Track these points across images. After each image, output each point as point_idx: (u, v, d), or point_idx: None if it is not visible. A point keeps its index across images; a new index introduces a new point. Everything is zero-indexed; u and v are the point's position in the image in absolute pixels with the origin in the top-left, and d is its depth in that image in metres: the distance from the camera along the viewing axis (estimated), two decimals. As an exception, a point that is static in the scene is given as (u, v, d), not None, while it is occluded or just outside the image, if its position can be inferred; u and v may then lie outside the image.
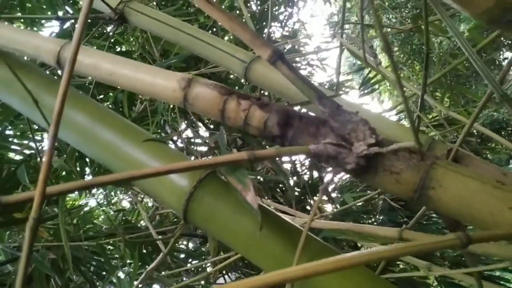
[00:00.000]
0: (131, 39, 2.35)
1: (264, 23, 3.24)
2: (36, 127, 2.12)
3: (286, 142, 0.53)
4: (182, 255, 2.81)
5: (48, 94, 0.64)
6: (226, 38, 2.92)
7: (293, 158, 3.08)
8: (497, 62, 6.68)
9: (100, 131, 0.64)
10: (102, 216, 3.30)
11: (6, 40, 0.65)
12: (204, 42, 1.06)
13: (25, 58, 0.78)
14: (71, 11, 1.92)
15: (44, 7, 1.95)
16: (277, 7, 4.02)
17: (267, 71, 0.99)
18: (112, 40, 2.18)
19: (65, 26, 1.82)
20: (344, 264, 0.32)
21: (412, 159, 0.50)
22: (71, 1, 2.03)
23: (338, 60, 1.46)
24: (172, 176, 0.60)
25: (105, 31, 2.22)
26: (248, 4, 3.67)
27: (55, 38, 0.64)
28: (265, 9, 3.42)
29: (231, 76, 2.98)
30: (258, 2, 3.73)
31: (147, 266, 2.13)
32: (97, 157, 0.65)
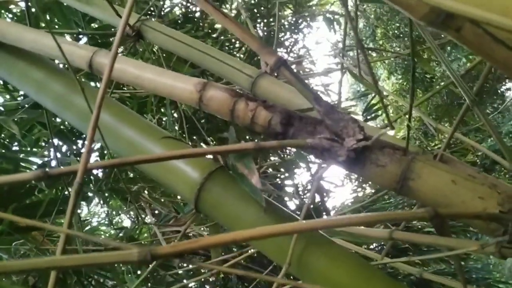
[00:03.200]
0: (140, 60, 2.46)
1: (274, 47, 3.35)
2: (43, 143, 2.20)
3: (288, 138, 0.61)
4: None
5: (78, 95, 0.72)
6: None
7: (296, 181, 3.15)
8: (499, 92, 6.78)
9: (123, 128, 0.72)
10: (103, 236, 3.33)
11: (44, 46, 0.75)
12: (214, 58, 1.16)
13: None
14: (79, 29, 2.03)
15: (57, 27, 2.06)
16: (283, 33, 4.16)
17: (272, 86, 1.07)
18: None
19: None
20: (297, 228, 0.38)
21: (395, 154, 0.58)
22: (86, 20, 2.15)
23: (340, 80, 1.55)
24: (185, 168, 0.68)
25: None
26: (255, 30, 3.80)
27: (87, 45, 0.73)
28: (272, 34, 3.55)
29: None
30: (265, 28, 3.86)
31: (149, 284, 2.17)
32: (120, 152, 0.74)
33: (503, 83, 6.93)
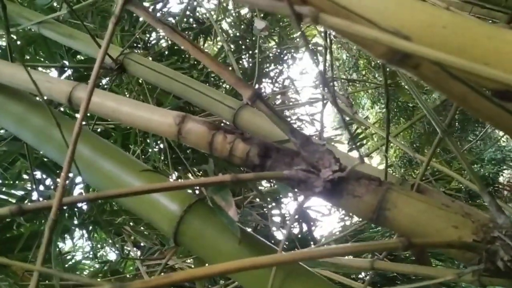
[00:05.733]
0: (126, 92, 2.47)
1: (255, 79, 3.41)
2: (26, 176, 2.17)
3: (265, 170, 0.62)
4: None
5: (57, 128, 0.72)
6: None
7: (283, 211, 3.14)
8: (480, 120, 6.91)
9: (102, 162, 0.72)
10: (87, 271, 3.26)
11: (22, 80, 0.75)
12: (196, 91, 1.17)
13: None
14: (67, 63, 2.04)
15: (42, 59, 2.08)
16: (268, 65, 4.22)
17: (253, 117, 1.09)
18: (108, 90, 2.29)
19: (63, 76, 1.94)
20: (280, 260, 0.38)
21: (371, 185, 0.58)
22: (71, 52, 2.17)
23: (322, 109, 1.57)
24: (164, 201, 0.68)
25: (100, 83, 2.35)
26: (240, 62, 3.87)
27: (66, 80, 0.74)
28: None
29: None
30: (250, 60, 3.93)
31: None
32: (100, 185, 0.73)
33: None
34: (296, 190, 0.60)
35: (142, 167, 0.73)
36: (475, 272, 0.57)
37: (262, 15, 3.25)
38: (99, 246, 3.83)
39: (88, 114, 1.97)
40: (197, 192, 0.74)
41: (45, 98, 0.70)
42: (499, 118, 0.33)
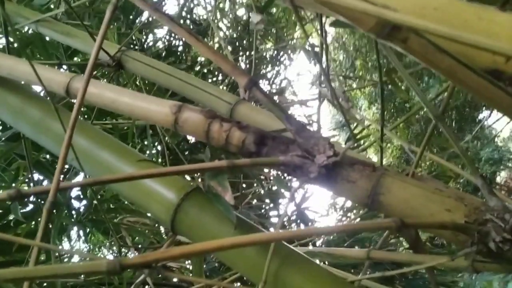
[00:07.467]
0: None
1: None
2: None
3: (261, 157, 0.63)
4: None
5: (55, 120, 0.73)
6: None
7: (281, 212, 3.15)
8: (476, 120, 6.96)
9: (100, 152, 0.73)
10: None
11: (21, 72, 0.76)
12: (193, 86, 1.18)
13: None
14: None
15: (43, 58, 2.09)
16: (265, 66, 4.24)
17: (250, 112, 1.09)
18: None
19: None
20: (273, 238, 0.39)
21: (365, 170, 0.59)
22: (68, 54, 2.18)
23: (318, 108, 1.59)
24: (161, 190, 0.69)
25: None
26: (237, 63, 3.89)
27: (65, 71, 0.75)
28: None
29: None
30: (247, 61, 3.95)
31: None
32: (96, 175, 0.74)
33: (480, 111, 7.12)
34: (291, 176, 0.61)
35: (140, 157, 0.74)
36: (468, 255, 0.58)
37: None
38: (96, 248, 3.82)
39: (85, 116, 1.98)
40: (193, 182, 0.75)
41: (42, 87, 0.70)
42: (487, 91, 0.34)
